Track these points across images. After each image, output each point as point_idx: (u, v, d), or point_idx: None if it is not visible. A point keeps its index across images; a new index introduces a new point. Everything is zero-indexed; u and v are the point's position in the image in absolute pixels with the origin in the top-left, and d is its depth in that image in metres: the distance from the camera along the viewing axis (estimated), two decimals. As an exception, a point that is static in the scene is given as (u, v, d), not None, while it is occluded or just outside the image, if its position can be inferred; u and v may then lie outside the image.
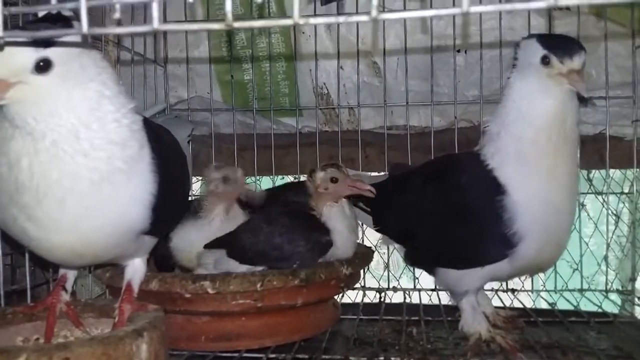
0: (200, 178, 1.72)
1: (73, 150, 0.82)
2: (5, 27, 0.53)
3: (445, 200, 1.23)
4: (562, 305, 1.59)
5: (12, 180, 0.82)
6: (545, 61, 1.09)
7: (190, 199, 1.39)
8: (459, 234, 1.21)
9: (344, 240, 1.24)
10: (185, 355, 1.17)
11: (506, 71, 1.69)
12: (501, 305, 1.53)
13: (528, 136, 1.12)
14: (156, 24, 0.51)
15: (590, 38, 1.62)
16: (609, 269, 1.66)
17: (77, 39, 0.79)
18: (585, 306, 1.56)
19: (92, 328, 1.02)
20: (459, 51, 1.71)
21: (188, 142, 1.53)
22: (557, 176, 1.12)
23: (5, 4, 0.53)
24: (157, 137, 0.99)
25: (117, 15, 0.52)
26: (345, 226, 1.25)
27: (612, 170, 1.65)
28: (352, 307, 1.54)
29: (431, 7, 1.68)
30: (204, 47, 1.81)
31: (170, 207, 1.03)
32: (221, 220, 1.30)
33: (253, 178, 1.73)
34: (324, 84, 1.80)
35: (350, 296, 1.63)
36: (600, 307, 1.54)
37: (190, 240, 1.28)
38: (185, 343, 1.17)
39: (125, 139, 0.87)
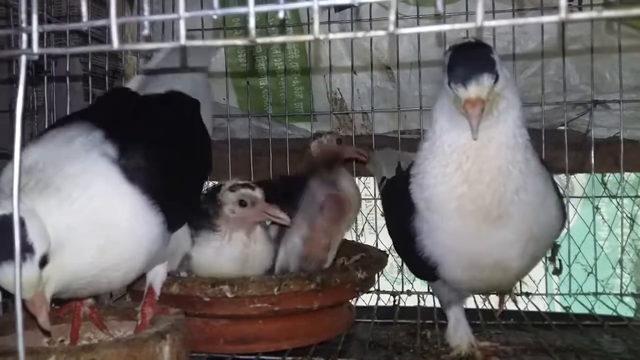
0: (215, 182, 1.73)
1: None
2: (41, 45, 0.56)
3: (392, 218, 1.24)
4: (577, 308, 1.59)
5: None
6: (449, 84, 0.92)
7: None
8: (402, 249, 1.22)
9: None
10: (204, 358, 1.20)
11: (519, 75, 1.71)
12: (515, 308, 1.53)
13: (442, 161, 1.00)
14: (183, 40, 0.53)
15: (604, 41, 1.63)
16: (623, 273, 1.65)
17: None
18: (600, 309, 1.56)
19: (115, 330, 1.05)
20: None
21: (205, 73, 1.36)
22: (480, 212, 0.97)
23: (40, 21, 0.56)
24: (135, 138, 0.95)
25: (145, 32, 0.55)
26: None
27: (626, 174, 1.65)
28: (367, 310, 1.55)
29: (445, 17, 1.69)
30: (220, 55, 1.83)
31: (178, 199, 1.01)
32: (242, 241, 1.21)
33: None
34: (338, 89, 1.82)
35: (365, 300, 1.64)
36: (615, 310, 1.53)
37: (210, 257, 1.20)
38: (205, 345, 1.19)
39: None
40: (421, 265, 1.08)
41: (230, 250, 1.20)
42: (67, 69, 1.43)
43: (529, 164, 0.99)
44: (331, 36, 0.51)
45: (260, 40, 0.53)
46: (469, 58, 0.90)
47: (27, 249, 0.75)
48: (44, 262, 0.77)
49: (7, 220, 0.73)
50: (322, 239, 1.33)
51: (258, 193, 1.19)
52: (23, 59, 0.59)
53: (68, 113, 1.45)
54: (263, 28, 1.78)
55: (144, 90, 1.19)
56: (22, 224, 0.75)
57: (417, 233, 1.06)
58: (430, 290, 1.67)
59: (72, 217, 0.82)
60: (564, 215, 1.14)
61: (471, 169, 0.96)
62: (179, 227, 1.06)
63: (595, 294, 1.63)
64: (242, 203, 1.18)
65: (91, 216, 0.84)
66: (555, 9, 1.65)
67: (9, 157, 1.41)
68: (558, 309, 1.63)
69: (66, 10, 1.55)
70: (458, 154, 0.96)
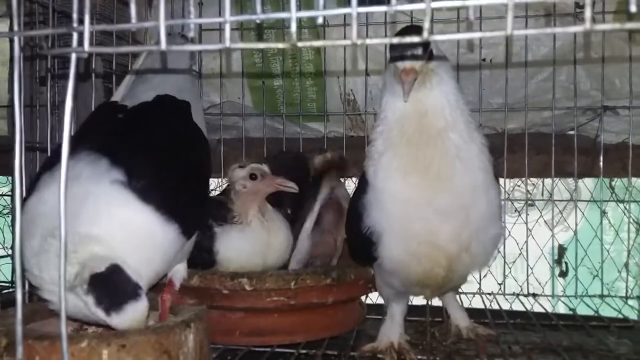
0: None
1: None
2: (91, 43, 0.59)
3: (350, 204, 1.27)
4: (582, 311, 1.62)
5: None
6: (391, 59, 1.07)
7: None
8: (349, 229, 1.26)
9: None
10: (220, 349, 1.23)
11: (530, 80, 1.74)
12: (522, 309, 1.56)
13: (385, 132, 1.10)
14: (228, 43, 0.56)
15: (615, 47, 1.65)
16: (629, 276, 1.68)
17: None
18: (604, 312, 1.58)
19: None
20: (484, 60, 1.75)
21: (193, 74, 1.40)
22: (420, 170, 1.05)
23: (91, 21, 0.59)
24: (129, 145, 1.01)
25: (191, 34, 0.58)
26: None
27: (634, 179, 1.67)
28: (377, 307, 1.58)
29: (459, 17, 1.72)
30: (236, 55, 1.87)
31: (190, 205, 1.05)
32: (260, 222, 1.27)
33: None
34: (351, 90, 1.86)
35: (374, 298, 1.67)
36: (620, 312, 1.56)
37: (236, 248, 1.25)
38: (221, 337, 1.22)
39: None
40: (363, 242, 1.13)
41: (252, 232, 1.26)
42: (93, 66, 1.45)
43: (473, 139, 1.07)
44: (368, 41, 0.54)
45: (300, 44, 0.56)
46: (405, 34, 1.00)
47: (136, 287, 0.86)
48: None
49: (113, 269, 0.85)
50: (330, 237, 1.41)
51: (266, 167, 1.28)
52: (73, 56, 0.63)
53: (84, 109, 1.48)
54: (279, 29, 1.82)
55: (131, 93, 1.19)
56: (122, 270, 0.85)
57: (365, 207, 1.12)
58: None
59: (123, 250, 0.89)
60: (502, 223, 1.19)
61: (412, 131, 1.06)
62: (195, 231, 1.11)
63: (601, 296, 1.66)
64: (252, 176, 1.27)
65: (129, 244, 0.91)
66: (566, 15, 1.68)
67: (30, 149, 1.45)
68: (563, 310, 1.65)
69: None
70: (400, 120, 1.07)
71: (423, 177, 1.05)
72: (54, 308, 0.93)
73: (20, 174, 0.67)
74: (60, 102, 1.56)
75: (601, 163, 1.64)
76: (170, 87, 1.20)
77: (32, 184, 0.99)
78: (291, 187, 1.26)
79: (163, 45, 0.57)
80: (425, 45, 1.03)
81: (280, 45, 0.56)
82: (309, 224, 1.39)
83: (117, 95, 1.23)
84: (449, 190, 1.05)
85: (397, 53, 1.03)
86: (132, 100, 1.16)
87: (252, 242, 1.26)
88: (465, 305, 1.65)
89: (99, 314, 0.83)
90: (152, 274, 0.97)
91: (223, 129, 1.82)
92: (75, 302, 0.85)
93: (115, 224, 0.91)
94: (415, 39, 0.53)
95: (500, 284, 1.72)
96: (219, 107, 1.85)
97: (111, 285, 0.84)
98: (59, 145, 1.10)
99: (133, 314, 0.84)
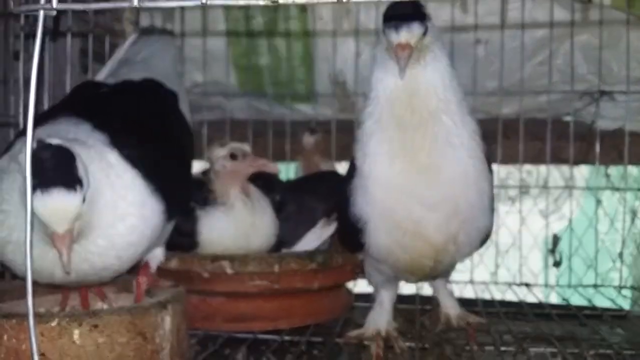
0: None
1: None
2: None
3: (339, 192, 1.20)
4: (576, 301, 1.58)
5: None
6: (383, 32, 1.00)
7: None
8: (339, 215, 1.21)
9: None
10: (200, 335, 1.17)
11: (526, 63, 1.69)
12: (515, 299, 1.52)
13: (374, 113, 1.04)
14: None
15: (612, 32, 1.61)
16: (623, 266, 1.65)
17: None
18: (599, 303, 1.55)
19: (112, 303, 1.03)
20: (479, 41, 1.70)
21: (176, 62, 1.38)
22: (408, 156, 1.00)
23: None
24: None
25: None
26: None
27: (630, 166, 1.64)
28: (365, 296, 1.53)
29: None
30: (221, 30, 1.80)
31: (172, 186, 0.99)
32: (243, 202, 1.22)
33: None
34: (341, 70, 1.79)
35: (363, 285, 1.62)
36: (615, 303, 1.53)
37: (218, 229, 1.20)
38: (201, 323, 1.17)
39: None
40: (350, 228, 1.08)
41: (236, 213, 1.21)
42: (69, 23, 1.39)
43: (465, 124, 1.02)
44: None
45: (282, 0, 0.50)
46: (403, 9, 0.98)
47: (77, 181, 0.76)
48: (84, 200, 0.78)
49: (64, 151, 0.76)
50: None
51: (247, 147, 1.24)
52: (41, 14, 0.59)
53: (67, 85, 1.42)
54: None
55: (117, 74, 1.16)
56: (74, 158, 0.77)
57: (352, 194, 1.07)
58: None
59: (96, 183, 0.82)
60: (492, 214, 1.12)
61: (403, 113, 1.00)
62: (176, 214, 1.04)
63: (595, 286, 1.62)
64: (233, 156, 1.22)
65: (105, 192, 0.84)
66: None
67: (5, 124, 1.39)
68: (557, 301, 1.62)
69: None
70: (391, 99, 1.01)
71: (410, 165, 1.00)
72: (19, 270, 0.86)
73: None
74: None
75: (597, 150, 1.60)
76: (156, 73, 1.17)
77: (7, 148, 0.94)
78: (271, 167, 1.21)
79: (135, 2, 0.52)
80: (422, 17, 0.97)
81: (261, 2, 0.51)
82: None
83: (100, 76, 1.21)
84: (437, 180, 1.00)
85: (392, 25, 0.96)
86: (116, 80, 1.13)
87: (235, 223, 1.20)
88: (458, 294, 1.61)
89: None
90: (127, 244, 0.89)
91: (206, 110, 1.75)
92: (38, 255, 0.78)
93: (95, 175, 0.82)
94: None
95: (493, 274, 1.68)
96: (202, 87, 1.78)
97: (51, 163, 0.75)
98: (38, 116, 1.05)
99: (56, 202, 0.74)
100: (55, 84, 1.48)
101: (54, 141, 0.77)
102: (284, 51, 1.80)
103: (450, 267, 1.24)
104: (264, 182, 1.30)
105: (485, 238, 1.13)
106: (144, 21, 1.64)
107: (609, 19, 1.61)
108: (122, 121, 0.95)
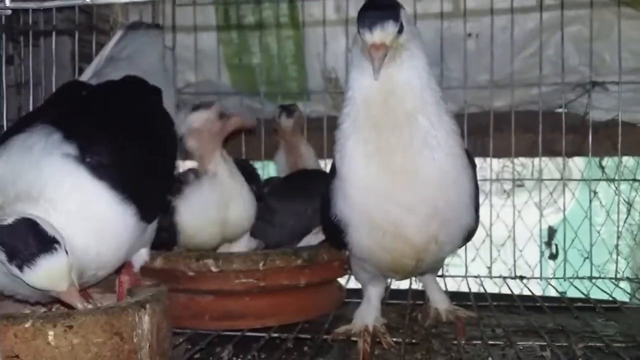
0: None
1: None
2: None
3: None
4: (573, 294, 1.57)
5: None
6: (358, 32, 0.96)
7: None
8: (321, 216, 1.18)
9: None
10: (188, 334, 1.17)
11: (517, 55, 1.68)
12: (509, 292, 1.51)
13: (351, 114, 1.02)
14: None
15: (604, 22, 1.60)
16: (619, 257, 1.63)
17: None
18: (595, 295, 1.54)
19: (97, 303, 1.03)
20: (469, 35, 1.69)
21: (163, 58, 1.35)
22: (384, 158, 0.98)
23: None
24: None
25: None
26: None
27: (624, 157, 1.62)
28: (358, 291, 1.53)
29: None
30: (212, 31, 1.81)
31: (148, 188, 1.00)
32: (227, 168, 1.21)
33: (260, 162, 1.73)
34: (333, 67, 1.79)
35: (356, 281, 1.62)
36: (610, 295, 1.51)
37: (202, 204, 1.19)
38: (189, 321, 1.17)
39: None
40: (333, 229, 1.07)
41: (210, 188, 1.20)
42: (54, 19, 1.40)
43: (442, 123, 0.99)
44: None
45: None
46: (377, 8, 0.95)
47: (52, 240, 0.78)
48: (67, 251, 0.80)
49: (24, 222, 0.78)
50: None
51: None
52: None
53: (54, 88, 1.43)
54: (256, 5, 1.76)
55: (100, 74, 1.15)
56: (36, 224, 0.79)
57: (332, 195, 1.06)
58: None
59: (62, 219, 0.84)
60: (476, 212, 1.10)
61: (378, 113, 0.97)
62: (154, 217, 1.05)
63: (591, 278, 1.61)
64: (222, 115, 1.21)
65: (73, 216, 0.86)
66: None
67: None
68: (553, 294, 1.61)
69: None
70: (367, 100, 0.98)
71: (386, 167, 0.98)
72: None
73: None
74: (26, 82, 1.52)
75: (590, 141, 1.59)
76: (140, 70, 1.16)
77: None
78: (249, 121, 1.23)
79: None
80: (396, 16, 0.94)
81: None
82: None
83: (85, 76, 1.20)
84: (414, 182, 0.98)
85: (366, 25, 0.93)
86: (99, 81, 1.12)
87: (220, 196, 1.20)
88: (453, 289, 1.60)
89: (15, 271, 0.77)
90: (105, 256, 0.91)
91: (200, 110, 1.76)
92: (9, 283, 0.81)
93: (60, 194, 0.85)
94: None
95: (488, 267, 1.67)
96: (195, 86, 1.79)
97: (21, 238, 0.77)
98: (20, 119, 1.07)
99: (48, 269, 0.77)
100: (46, 86, 1.50)
101: (8, 220, 0.78)
102: (275, 49, 1.81)
103: (436, 264, 1.23)
104: (249, 176, 1.29)
105: (468, 235, 1.12)
106: (133, 18, 1.65)
107: (601, 9, 1.60)
108: (95, 127, 0.96)
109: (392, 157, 0.97)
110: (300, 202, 1.37)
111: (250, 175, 1.33)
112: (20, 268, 0.77)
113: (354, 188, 1.01)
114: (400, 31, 0.95)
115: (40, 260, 0.77)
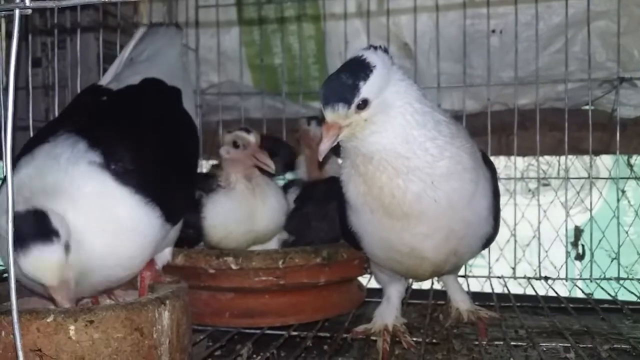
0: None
1: None
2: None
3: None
4: (599, 295, 1.53)
5: None
6: None
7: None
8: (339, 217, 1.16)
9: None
10: (209, 331, 1.19)
11: (542, 51, 1.65)
12: (533, 293, 1.49)
13: (350, 159, 0.98)
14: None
15: (632, 17, 1.56)
16: (648, 258, 1.59)
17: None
18: (623, 297, 1.50)
19: (120, 299, 1.05)
20: (493, 31, 1.67)
21: (182, 57, 1.36)
22: (388, 210, 0.95)
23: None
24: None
25: None
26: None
27: (654, 155, 1.58)
28: (379, 291, 1.52)
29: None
30: (234, 32, 1.82)
31: (172, 190, 1.02)
32: (245, 185, 1.24)
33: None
34: (354, 66, 1.78)
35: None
36: (638, 297, 1.47)
37: (222, 212, 1.22)
38: (210, 318, 1.19)
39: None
40: (350, 237, 1.08)
41: (237, 195, 1.23)
42: (79, 19, 1.43)
43: (443, 151, 0.94)
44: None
45: None
46: (334, 83, 0.90)
47: (53, 232, 0.80)
48: (67, 248, 0.81)
49: (34, 211, 0.80)
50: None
51: (252, 137, 1.23)
52: (17, 13, 0.61)
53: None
54: (278, 5, 1.77)
55: (119, 77, 1.17)
56: (46, 215, 0.81)
57: (345, 208, 1.05)
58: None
59: (83, 218, 0.86)
60: (495, 220, 1.09)
61: (365, 173, 0.95)
62: (179, 218, 1.07)
63: (618, 279, 1.57)
64: (235, 144, 1.24)
65: (98, 218, 0.88)
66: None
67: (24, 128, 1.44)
68: (580, 295, 1.57)
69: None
70: (356, 159, 0.95)
71: (391, 218, 0.96)
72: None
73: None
74: (54, 83, 1.55)
75: (618, 139, 1.55)
76: (159, 71, 1.18)
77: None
78: (268, 165, 1.21)
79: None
80: (350, 95, 0.87)
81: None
82: None
83: (105, 79, 1.22)
84: (422, 222, 0.96)
85: (321, 100, 0.89)
86: (119, 85, 1.14)
87: (238, 204, 1.23)
88: (476, 289, 1.58)
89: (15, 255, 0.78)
90: (129, 259, 0.93)
91: (223, 110, 1.78)
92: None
93: (87, 201, 0.87)
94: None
95: (512, 268, 1.64)
96: (217, 87, 1.81)
97: (25, 224, 0.79)
98: (43, 127, 1.09)
99: (39, 258, 0.78)
100: (73, 87, 1.53)
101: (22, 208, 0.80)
102: (297, 49, 1.81)
103: (455, 269, 1.23)
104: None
105: (487, 242, 1.11)
106: (156, 16, 1.67)
107: (629, 2, 1.55)
108: (117, 134, 0.98)
109: (395, 210, 0.95)
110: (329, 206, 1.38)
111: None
112: (17, 252, 0.77)
113: (367, 224, 1.00)
114: (362, 107, 0.88)
115: (33, 248, 0.78)
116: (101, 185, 0.90)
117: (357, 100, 0.88)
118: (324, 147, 0.89)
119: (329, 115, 0.88)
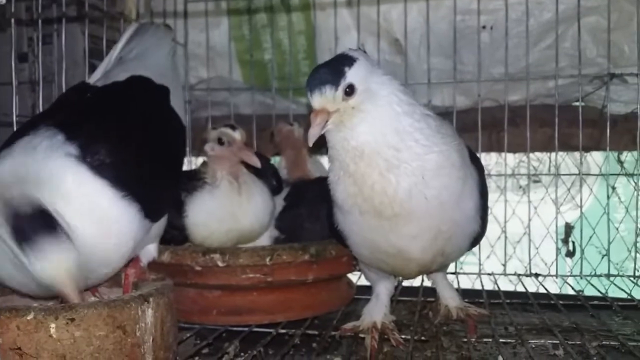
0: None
1: None
2: None
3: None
4: (590, 292, 1.53)
5: None
6: None
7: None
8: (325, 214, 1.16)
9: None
10: (196, 328, 1.18)
11: (533, 47, 1.64)
12: (523, 290, 1.48)
13: (335, 159, 0.96)
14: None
15: (622, 12, 1.55)
16: (638, 255, 1.59)
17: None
18: (613, 293, 1.50)
19: (104, 296, 1.03)
20: (484, 27, 1.66)
21: (172, 56, 1.33)
22: (376, 210, 0.95)
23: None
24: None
25: None
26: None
27: (644, 152, 1.57)
28: (368, 288, 1.51)
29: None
30: (224, 27, 1.81)
31: (152, 187, 1.00)
32: (230, 183, 1.23)
33: (273, 158, 1.72)
34: (345, 62, 1.77)
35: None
36: (629, 294, 1.47)
37: (205, 210, 1.21)
38: (197, 316, 1.18)
39: None
40: (337, 234, 1.07)
41: (221, 193, 1.22)
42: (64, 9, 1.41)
43: (431, 147, 0.93)
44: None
45: None
46: (321, 69, 0.91)
47: (63, 233, 0.80)
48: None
49: (41, 213, 0.80)
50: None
51: (237, 134, 1.23)
52: None
53: (67, 85, 1.44)
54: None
55: (109, 75, 1.16)
56: (51, 216, 0.81)
57: (332, 207, 1.05)
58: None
59: (70, 211, 0.85)
60: (483, 219, 1.07)
61: (355, 171, 0.93)
62: (160, 215, 1.05)
63: (608, 276, 1.57)
64: (220, 141, 1.24)
65: (76, 212, 0.86)
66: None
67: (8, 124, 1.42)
68: (570, 292, 1.57)
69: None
70: (345, 157, 0.93)
71: (380, 218, 0.94)
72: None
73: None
74: (39, 79, 1.53)
75: (608, 135, 1.54)
76: (147, 70, 1.17)
77: None
78: (254, 161, 1.20)
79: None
80: (337, 78, 0.87)
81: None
82: None
83: (94, 77, 1.21)
84: (411, 222, 0.95)
85: (307, 88, 0.89)
86: (106, 82, 1.13)
87: (220, 202, 1.21)
88: (467, 286, 1.58)
89: (23, 259, 0.78)
90: (111, 252, 0.92)
91: (212, 106, 1.76)
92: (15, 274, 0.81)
93: (64, 192, 0.86)
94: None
95: (503, 265, 1.64)
96: (207, 83, 1.79)
97: (37, 229, 0.79)
98: (25, 122, 1.08)
99: (53, 258, 0.78)
100: (59, 83, 1.52)
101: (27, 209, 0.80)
102: (287, 45, 1.80)
103: (443, 267, 1.22)
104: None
105: (475, 242, 1.10)
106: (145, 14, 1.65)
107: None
108: (96, 128, 0.97)
109: (384, 209, 0.93)
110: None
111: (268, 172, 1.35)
112: (27, 256, 0.78)
113: (354, 225, 0.99)
114: (349, 93, 0.88)
115: (48, 252, 0.78)
116: (78, 178, 0.89)
117: (343, 83, 0.87)
118: (314, 131, 0.87)
119: (317, 100, 0.87)
